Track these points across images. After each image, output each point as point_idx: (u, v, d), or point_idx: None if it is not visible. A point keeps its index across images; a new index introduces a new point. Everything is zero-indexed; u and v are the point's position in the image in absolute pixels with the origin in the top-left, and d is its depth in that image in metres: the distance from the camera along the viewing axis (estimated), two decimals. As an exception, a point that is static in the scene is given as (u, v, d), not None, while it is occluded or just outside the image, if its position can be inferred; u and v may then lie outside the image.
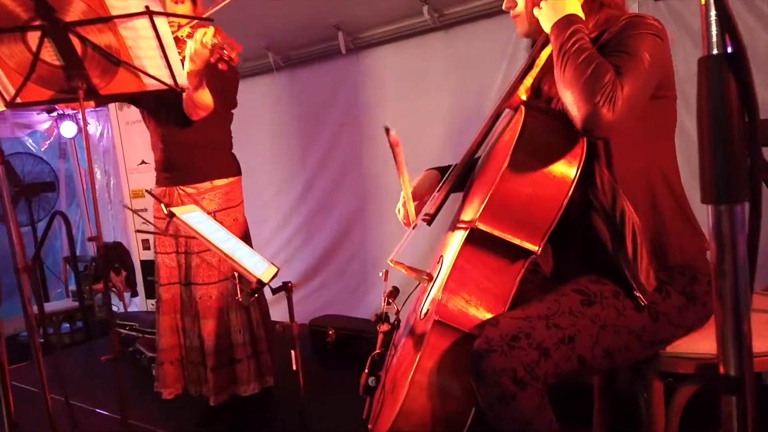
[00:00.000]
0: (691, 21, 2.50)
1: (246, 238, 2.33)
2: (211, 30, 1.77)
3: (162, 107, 2.18)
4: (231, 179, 2.29)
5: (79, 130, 5.09)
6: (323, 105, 3.91)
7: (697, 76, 0.49)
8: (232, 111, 2.35)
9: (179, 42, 1.88)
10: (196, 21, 1.96)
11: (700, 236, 1.32)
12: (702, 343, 1.28)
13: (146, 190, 1.96)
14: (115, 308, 5.03)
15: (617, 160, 1.25)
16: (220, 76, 2.10)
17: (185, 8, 2.11)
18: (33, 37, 1.47)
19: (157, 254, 2.27)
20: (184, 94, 2.03)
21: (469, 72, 3.22)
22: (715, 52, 0.48)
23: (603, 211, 1.24)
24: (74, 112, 5.05)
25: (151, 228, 1.41)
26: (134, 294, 4.86)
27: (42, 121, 5.13)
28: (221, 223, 2.01)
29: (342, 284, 3.99)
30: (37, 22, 1.44)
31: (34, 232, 4.84)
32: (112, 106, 3.92)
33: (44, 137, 5.33)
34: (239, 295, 1.30)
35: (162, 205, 1.42)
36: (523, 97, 1.34)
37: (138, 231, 3.32)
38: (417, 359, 1.21)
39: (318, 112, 3.95)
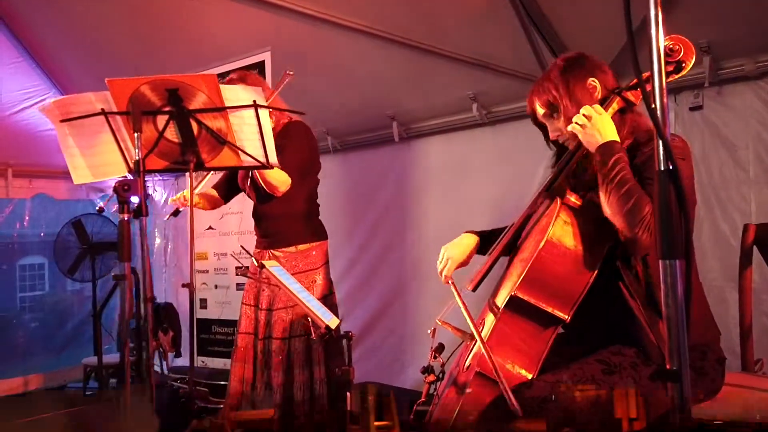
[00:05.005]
0: (725, 131, 2.72)
1: (325, 298, 2.51)
2: None
3: (256, 188, 2.47)
4: (312, 244, 2.53)
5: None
6: (372, 187, 4.16)
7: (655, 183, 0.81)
8: (317, 176, 2.58)
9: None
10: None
11: (715, 328, 1.54)
12: (706, 411, 1.44)
13: (241, 246, 2.23)
14: (157, 368, 5.25)
15: (651, 256, 1.46)
16: (294, 155, 2.35)
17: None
18: (161, 119, 1.85)
19: (242, 305, 2.55)
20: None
21: (513, 165, 3.44)
22: (662, 168, 0.85)
23: (640, 297, 1.46)
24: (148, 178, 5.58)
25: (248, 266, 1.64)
26: (178, 354, 5.09)
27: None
28: (300, 282, 2.26)
29: (377, 360, 4.06)
30: (167, 108, 1.82)
31: (94, 288, 5.22)
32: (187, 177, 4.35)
33: (114, 201, 5.80)
34: (313, 334, 1.54)
35: (253, 259, 1.70)
36: (573, 200, 1.54)
37: (238, 270, 3.63)
38: (459, 405, 1.42)
39: (367, 194, 4.19)
